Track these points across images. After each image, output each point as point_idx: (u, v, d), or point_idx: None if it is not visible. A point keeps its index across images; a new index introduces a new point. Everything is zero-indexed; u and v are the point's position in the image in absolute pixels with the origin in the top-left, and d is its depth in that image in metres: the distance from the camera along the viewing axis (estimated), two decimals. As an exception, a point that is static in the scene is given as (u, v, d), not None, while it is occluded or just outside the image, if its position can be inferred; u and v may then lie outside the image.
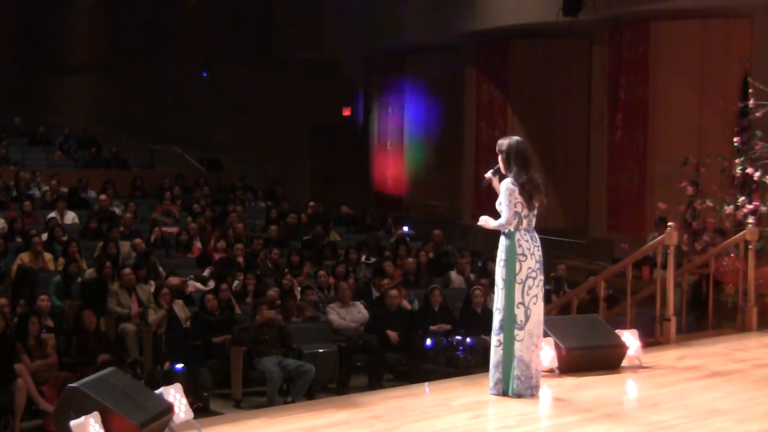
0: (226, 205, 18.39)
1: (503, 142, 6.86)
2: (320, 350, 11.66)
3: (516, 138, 6.91)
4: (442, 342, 12.54)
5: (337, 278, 13.63)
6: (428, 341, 12.49)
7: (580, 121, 18.44)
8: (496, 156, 6.88)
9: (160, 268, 13.62)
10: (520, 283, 6.68)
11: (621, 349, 7.97)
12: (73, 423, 5.26)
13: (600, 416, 6.41)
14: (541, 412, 6.67)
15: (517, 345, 6.68)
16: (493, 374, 6.79)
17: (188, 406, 5.92)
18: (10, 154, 20.86)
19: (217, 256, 14.46)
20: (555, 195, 17.67)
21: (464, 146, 20.42)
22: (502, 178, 6.84)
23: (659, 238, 9.67)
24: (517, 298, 6.68)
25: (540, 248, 6.80)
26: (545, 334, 7.33)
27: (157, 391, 5.87)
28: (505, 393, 6.73)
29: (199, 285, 13.34)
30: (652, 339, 9.29)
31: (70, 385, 5.55)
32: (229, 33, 25.11)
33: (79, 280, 12.93)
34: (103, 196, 17.24)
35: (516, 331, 6.68)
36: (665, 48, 16.60)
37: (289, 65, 23.71)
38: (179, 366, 10.92)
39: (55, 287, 12.64)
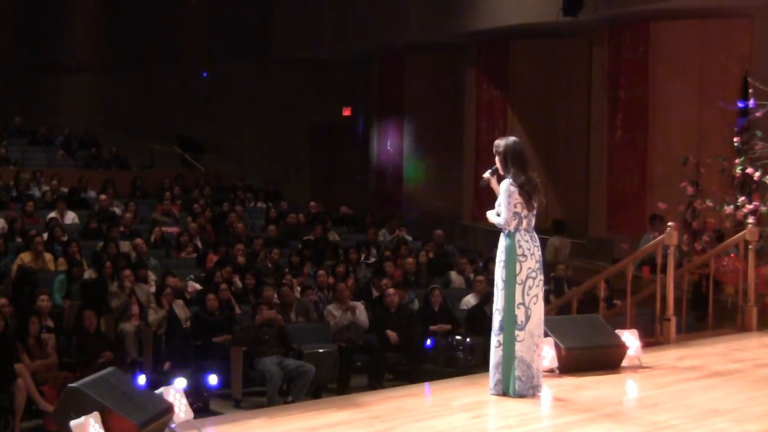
0: (226, 204, 18.39)
1: (500, 143, 6.87)
2: (320, 350, 11.66)
3: (512, 138, 6.92)
4: (442, 342, 12.55)
5: (336, 278, 13.63)
6: (428, 341, 12.49)
7: (580, 121, 18.43)
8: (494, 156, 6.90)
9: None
10: (520, 284, 6.68)
11: (621, 349, 7.97)
12: (73, 423, 5.26)
13: (600, 416, 6.41)
14: (542, 412, 6.66)
15: (517, 345, 6.68)
16: (493, 375, 6.79)
17: (188, 406, 5.93)
18: (10, 154, 20.86)
19: (214, 258, 14.44)
20: (555, 195, 17.67)
21: (464, 146, 20.42)
22: (500, 178, 6.85)
23: (659, 238, 9.67)
24: (518, 299, 6.68)
25: (540, 248, 6.81)
26: (545, 334, 7.33)
27: (157, 391, 5.88)
28: (505, 393, 6.73)
29: (198, 286, 13.34)
30: (652, 339, 9.29)
31: (70, 385, 5.56)
32: (229, 33, 25.12)
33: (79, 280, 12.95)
34: (103, 196, 17.23)
35: (516, 332, 6.68)
36: (665, 48, 16.59)
37: (289, 65, 23.71)
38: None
39: (59, 285, 12.67)
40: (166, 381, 9.67)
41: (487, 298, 12.89)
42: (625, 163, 17.15)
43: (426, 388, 7.57)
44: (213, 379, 11.04)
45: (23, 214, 15.62)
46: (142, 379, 10.56)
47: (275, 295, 12.47)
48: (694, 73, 16.28)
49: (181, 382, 10.71)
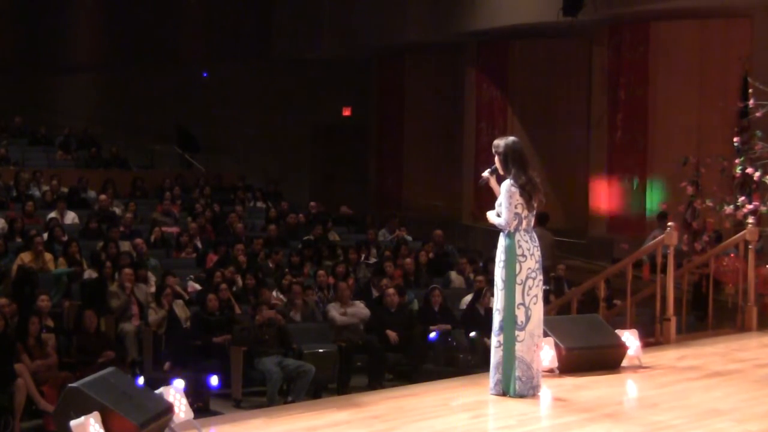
0: (226, 205, 18.39)
1: (499, 143, 6.84)
2: (320, 350, 11.66)
3: (512, 138, 6.90)
4: (442, 342, 12.55)
5: (336, 278, 13.64)
6: (432, 334, 12.42)
7: (580, 121, 18.44)
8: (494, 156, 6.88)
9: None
10: (520, 284, 6.67)
11: (621, 349, 7.96)
12: (73, 423, 5.26)
13: (600, 416, 6.41)
14: (541, 412, 6.67)
15: (518, 346, 6.67)
16: (493, 375, 6.78)
17: (188, 406, 5.93)
18: (10, 154, 20.85)
19: (214, 258, 14.43)
20: (555, 195, 17.67)
21: (464, 146, 20.42)
22: (499, 177, 6.84)
23: (659, 238, 9.67)
24: (518, 299, 6.67)
25: (539, 248, 6.80)
26: (545, 334, 7.33)
27: (157, 391, 5.88)
28: (505, 393, 6.73)
29: (197, 286, 13.33)
30: (652, 339, 9.29)
31: (70, 385, 5.56)
32: (229, 33, 25.11)
33: (79, 280, 12.96)
34: (103, 196, 17.22)
35: (517, 332, 6.68)
36: (665, 48, 16.61)
37: (289, 65, 23.71)
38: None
39: (55, 278, 12.74)
40: (166, 381, 9.67)
41: (478, 296, 12.92)
42: (625, 163, 17.16)
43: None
44: (214, 380, 11.00)
45: (23, 214, 15.61)
46: (140, 381, 10.52)
47: (278, 295, 12.48)
48: (694, 73, 16.30)
49: (179, 383, 10.74)
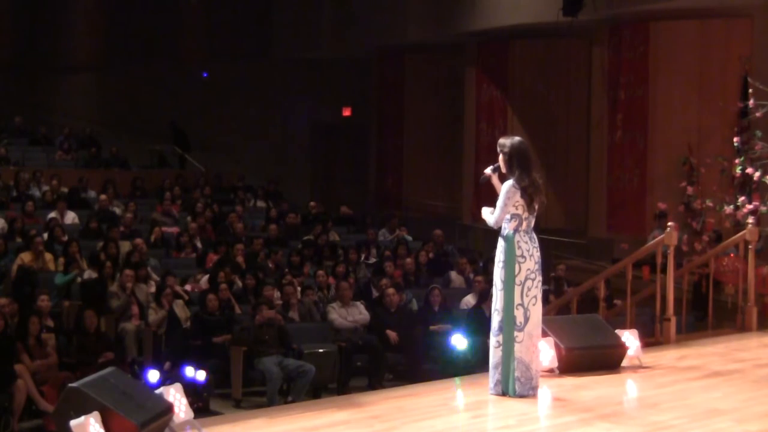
0: (226, 205, 18.39)
1: (505, 143, 6.82)
2: (320, 350, 11.66)
3: (518, 138, 6.87)
4: (443, 342, 12.54)
5: (337, 278, 13.64)
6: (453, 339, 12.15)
7: (580, 121, 18.44)
8: (497, 155, 6.86)
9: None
10: (519, 285, 6.66)
11: (621, 349, 7.96)
12: (73, 423, 5.26)
13: (600, 416, 6.41)
14: (541, 412, 6.67)
15: (516, 346, 6.67)
16: (493, 375, 6.79)
17: (188, 406, 5.93)
18: (10, 154, 20.86)
19: (214, 258, 14.43)
20: (555, 195, 17.67)
21: (464, 146, 20.42)
22: (501, 176, 6.83)
23: (659, 238, 9.68)
24: (517, 300, 6.67)
25: (539, 249, 6.79)
26: (545, 334, 7.33)
27: (157, 391, 5.88)
28: (504, 393, 6.73)
29: (178, 288, 13.27)
30: (652, 339, 9.29)
31: (70, 385, 5.56)
32: (229, 33, 25.12)
33: (79, 280, 12.95)
34: (103, 196, 17.24)
35: (515, 333, 6.67)
36: (665, 48, 16.59)
37: (289, 65, 23.71)
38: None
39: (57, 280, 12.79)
40: (175, 378, 9.66)
41: (484, 297, 12.89)
42: (625, 163, 17.15)
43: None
44: (201, 375, 10.75)
45: (23, 214, 15.63)
46: (153, 376, 10.42)
47: (278, 295, 12.48)
48: (694, 73, 16.28)
49: (201, 375, 10.65)
